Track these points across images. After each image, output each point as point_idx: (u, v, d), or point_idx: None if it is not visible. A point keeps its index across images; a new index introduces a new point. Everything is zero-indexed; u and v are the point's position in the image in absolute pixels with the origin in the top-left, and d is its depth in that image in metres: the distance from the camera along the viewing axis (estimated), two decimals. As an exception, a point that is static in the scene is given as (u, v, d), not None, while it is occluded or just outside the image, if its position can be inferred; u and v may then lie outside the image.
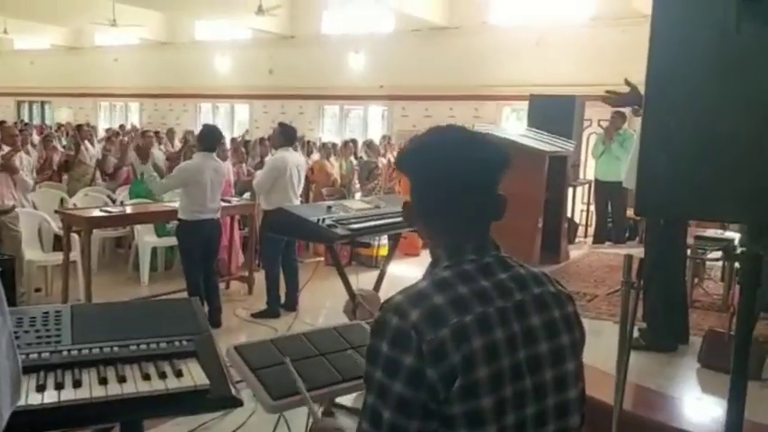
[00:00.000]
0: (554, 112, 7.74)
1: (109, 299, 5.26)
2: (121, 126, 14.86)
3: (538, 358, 1.17)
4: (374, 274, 5.06)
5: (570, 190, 8.09)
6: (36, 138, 10.48)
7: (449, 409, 1.08)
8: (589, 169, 9.73)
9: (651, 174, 1.57)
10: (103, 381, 1.54)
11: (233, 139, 11.19)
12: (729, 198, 1.50)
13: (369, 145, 9.26)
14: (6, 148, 5.02)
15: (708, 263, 5.00)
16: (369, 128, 14.21)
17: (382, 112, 14.08)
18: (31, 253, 5.53)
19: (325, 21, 14.23)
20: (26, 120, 18.71)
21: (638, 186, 1.61)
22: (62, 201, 6.85)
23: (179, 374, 1.62)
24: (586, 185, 9.30)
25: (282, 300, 5.63)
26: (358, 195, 8.26)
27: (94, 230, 5.70)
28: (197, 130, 14.24)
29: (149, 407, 1.55)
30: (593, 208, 8.80)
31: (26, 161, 5.51)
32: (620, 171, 6.77)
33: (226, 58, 15.74)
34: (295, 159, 5.72)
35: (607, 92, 3.83)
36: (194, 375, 1.63)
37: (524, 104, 9.40)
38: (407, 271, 6.51)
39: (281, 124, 5.88)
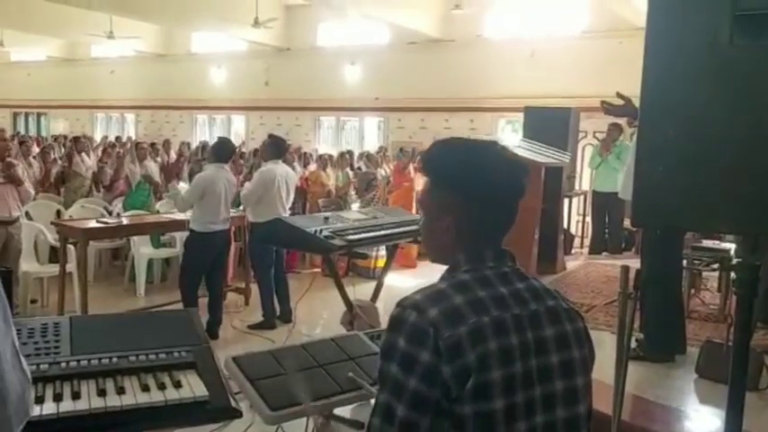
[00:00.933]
0: (549, 124, 7.79)
1: (105, 310, 5.24)
2: (117, 138, 14.87)
3: (548, 369, 1.18)
4: (371, 284, 5.05)
5: (566, 201, 8.13)
6: (36, 150, 10.47)
7: (460, 408, 1.09)
8: (585, 180, 9.78)
9: (647, 184, 1.58)
10: (102, 392, 1.53)
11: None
12: (725, 209, 1.51)
13: (368, 156, 9.29)
14: None
15: (704, 273, 5.01)
16: (365, 139, 14.24)
17: (378, 123, 14.13)
18: (28, 264, 5.52)
19: (320, 33, 14.31)
20: (22, 131, 18.69)
21: (633, 197, 1.62)
22: (58, 212, 6.84)
23: (178, 386, 1.61)
24: (582, 196, 9.34)
25: (278, 311, 5.62)
26: (354, 206, 8.27)
27: (91, 242, 5.69)
28: (194, 142, 14.30)
29: (148, 418, 1.54)
30: (588, 219, 8.83)
31: (29, 173, 5.54)
32: (617, 182, 6.80)
33: (222, 70, 15.79)
34: (283, 172, 5.63)
35: (603, 102, 3.87)
36: (193, 386, 1.62)
37: (519, 116, 9.45)
38: (405, 282, 6.51)
39: (270, 136, 5.84)
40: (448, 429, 1.10)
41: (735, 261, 1.66)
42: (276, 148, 5.64)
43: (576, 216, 9.36)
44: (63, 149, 11.06)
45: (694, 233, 4.72)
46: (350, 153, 10.14)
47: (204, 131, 16.48)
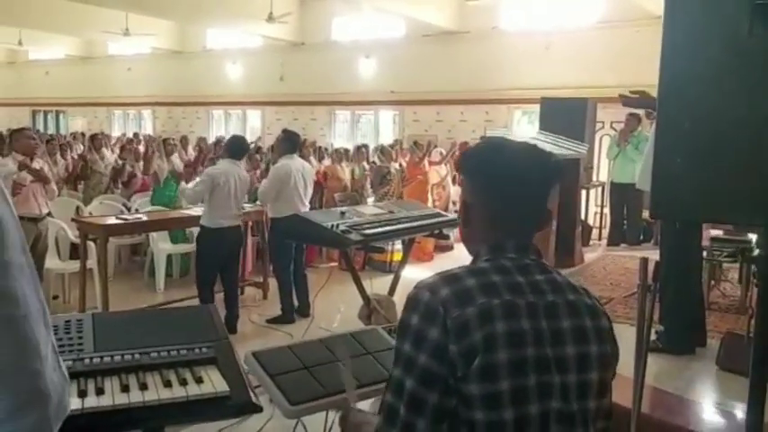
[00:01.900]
0: (566, 115, 7.72)
1: (125, 306, 5.31)
2: (135, 134, 15.00)
3: (564, 360, 1.19)
4: (388, 278, 5.06)
5: (583, 192, 8.08)
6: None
7: (466, 387, 1.12)
8: (602, 171, 9.70)
9: (665, 176, 1.57)
10: (126, 388, 1.56)
11: (246, 146, 11.25)
12: (744, 200, 1.50)
13: (381, 150, 9.28)
14: (22, 157, 5.09)
15: (725, 264, 4.96)
16: (380, 133, 14.24)
17: (393, 116, 14.11)
18: (49, 261, 5.58)
19: (335, 27, 14.30)
20: (41, 129, 18.92)
21: (652, 189, 1.61)
22: (78, 209, 6.92)
23: (199, 381, 1.64)
24: (600, 188, 9.27)
25: (296, 306, 5.65)
26: (370, 200, 8.27)
27: (110, 238, 5.75)
28: (210, 138, 14.39)
29: (171, 413, 1.57)
30: (606, 210, 8.77)
31: (54, 171, 5.62)
32: (635, 173, 6.75)
33: (237, 66, 15.85)
34: (299, 166, 5.61)
35: (621, 94, 3.85)
36: (214, 382, 1.64)
37: (536, 107, 9.38)
38: (422, 274, 6.50)
39: (284, 131, 5.81)
40: (455, 407, 1.13)
41: (755, 252, 1.64)
42: (290, 142, 5.62)
43: (593, 207, 9.30)
44: (82, 147, 11.18)
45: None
46: (365, 147, 10.13)
47: (220, 127, 16.56)
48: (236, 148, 5.27)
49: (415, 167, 8.39)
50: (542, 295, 1.22)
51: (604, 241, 8.53)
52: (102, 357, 1.64)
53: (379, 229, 3.97)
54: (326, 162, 9.47)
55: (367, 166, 9.21)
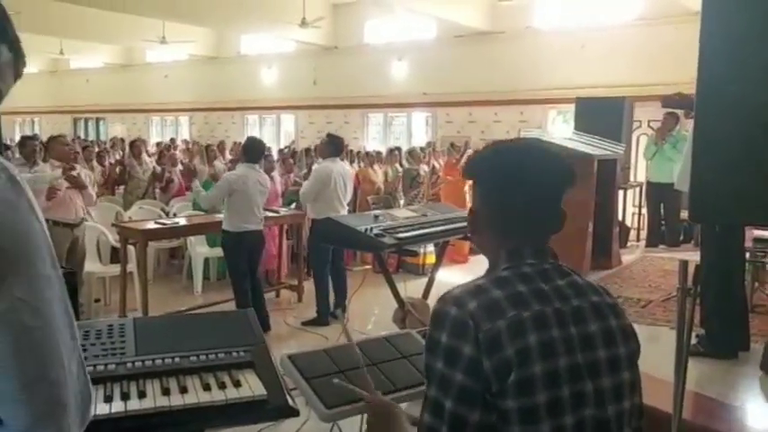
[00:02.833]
0: (602, 115, 7.62)
1: (164, 308, 5.41)
2: (172, 140, 15.29)
3: (596, 364, 1.17)
4: (421, 281, 5.06)
5: (621, 193, 7.95)
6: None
7: (503, 402, 1.09)
8: (640, 171, 9.54)
9: (704, 179, 1.54)
10: (166, 391, 1.59)
11: (280, 150, 11.39)
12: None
13: (410, 153, 9.29)
14: (58, 164, 5.22)
15: (768, 266, 4.83)
16: (413, 135, 14.24)
17: (426, 118, 14.10)
18: (91, 265, 5.73)
19: (367, 30, 14.36)
20: (82, 136, 19.43)
21: (690, 192, 1.58)
22: (118, 214, 7.09)
23: (237, 385, 1.66)
24: (637, 188, 9.11)
25: (331, 308, 5.68)
26: (403, 203, 8.29)
27: (149, 242, 5.86)
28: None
29: (210, 417, 1.59)
30: (644, 210, 8.62)
31: (87, 176, 5.73)
32: (673, 172, 6.62)
33: (271, 71, 16.03)
34: (340, 169, 5.76)
35: (662, 100, 3.79)
36: (252, 385, 1.67)
37: (571, 107, 9.28)
38: (455, 278, 6.47)
39: (329, 135, 5.97)
40: (495, 423, 1.11)
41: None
42: (333, 146, 5.76)
43: (631, 208, 9.15)
44: (121, 153, 11.45)
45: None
46: (398, 149, 10.15)
47: (255, 131, 16.77)
48: (252, 151, 5.29)
49: (452, 169, 8.40)
50: (567, 301, 1.20)
51: (642, 242, 8.38)
52: (143, 361, 1.67)
53: (413, 233, 3.96)
54: (356, 165, 9.52)
55: (400, 169, 9.23)
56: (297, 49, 15.08)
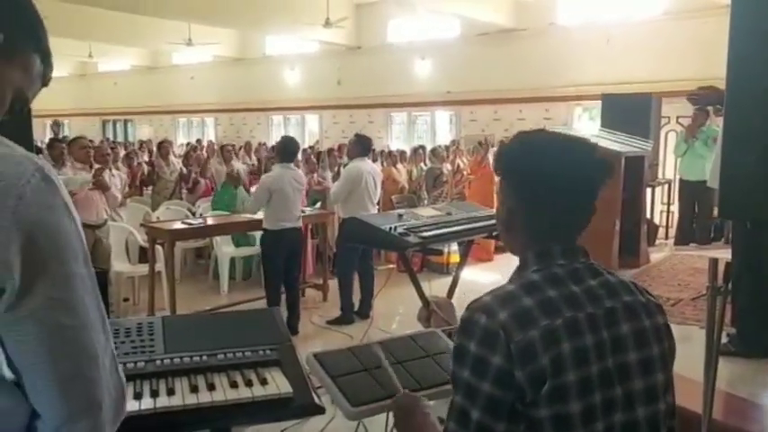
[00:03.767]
0: (629, 111, 7.51)
1: (192, 308, 5.48)
2: (198, 140, 15.47)
3: (626, 367, 1.15)
4: (446, 280, 5.05)
5: (648, 190, 7.83)
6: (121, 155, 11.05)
7: (536, 411, 1.08)
8: (668, 168, 9.40)
9: (734, 175, 1.51)
10: (194, 389, 1.61)
11: (304, 150, 11.45)
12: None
13: (433, 152, 9.27)
14: (80, 165, 5.30)
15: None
16: (436, 134, 14.21)
17: (450, 117, 14.05)
18: (120, 265, 5.82)
19: (390, 30, 14.37)
20: (111, 137, 19.75)
21: (720, 187, 1.56)
22: (145, 214, 7.19)
23: (264, 382, 1.67)
24: (666, 185, 8.97)
25: (356, 307, 5.70)
26: (427, 202, 8.28)
27: (177, 242, 5.94)
28: (270, 143, 14.71)
29: (237, 414, 1.61)
30: (673, 208, 8.48)
31: (118, 177, 5.81)
32: (705, 170, 6.51)
33: (295, 71, 16.13)
34: (370, 168, 5.84)
35: (688, 97, 3.72)
36: (278, 383, 1.68)
37: (597, 104, 9.18)
38: (480, 276, 6.46)
39: (357, 135, 6.04)
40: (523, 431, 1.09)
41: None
42: (362, 145, 5.82)
43: (659, 205, 9.01)
44: (149, 155, 11.61)
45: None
46: (422, 148, 10.13)
47: (280, 132, 16.88)
48: (285, 151, 5.40)
49: (479, 167, 8.38)
50: (599, 302, 1.17)
51: (671, 240, 8.25)
52: (172, 359, 1.70)
53: (437, 232, 3.95)
54: (378, 164, 9.51)
55: (425, 168, 9.21)
56: (320, 49, 15.14)
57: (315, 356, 1.91)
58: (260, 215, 5.36)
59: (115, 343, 1.70)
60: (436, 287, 4.38)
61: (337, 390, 1.78)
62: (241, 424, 1.70)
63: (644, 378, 1.17)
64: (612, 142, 6.27)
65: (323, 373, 1.85)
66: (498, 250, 7.96)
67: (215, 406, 1.58)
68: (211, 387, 1.63)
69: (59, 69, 20.97)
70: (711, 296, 2.36)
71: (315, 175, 8.27)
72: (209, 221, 6.02)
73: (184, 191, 8.36)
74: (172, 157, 9.09)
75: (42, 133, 17.64)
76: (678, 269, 6.06)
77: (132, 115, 20.91)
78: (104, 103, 20.71)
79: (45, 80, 1.03)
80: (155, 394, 1.58)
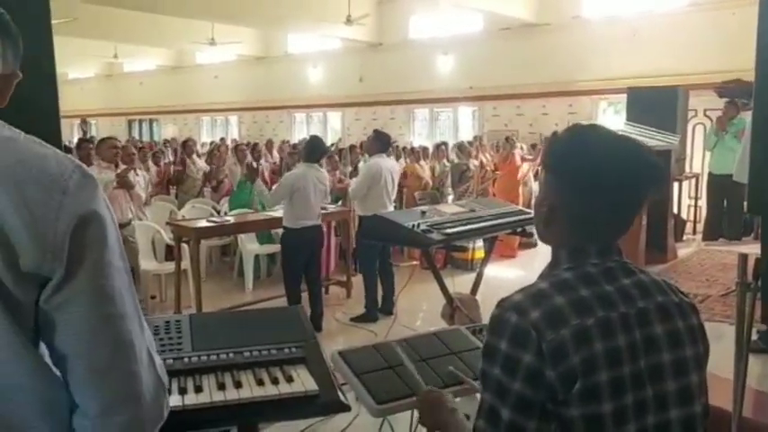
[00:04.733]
0: (655, 105, 7.41)
1: (217, 305, 5.54)
2: (222, 139, 15.61)
3: (659, 368, 1.14)
4: (470, 276, 5.04)
5: (676, 185, 7.72)
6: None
7: (567, 411, 1.07)
8: (696, 162, 9.25)
9: (763, 168, 1.49)
10: (222, 386, 1.63)
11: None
12: None
13: (459, 147, 9.23)
14: (106, 165, 5.37)
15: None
16: (459, 129, 14.16)
17: (472, 112, 13.99)
18: (147, 263, 5.89)
19: (412, 26, 14.34)
20: (137, 136, 20.02)
21: (749, 182, 1.53)
22: (171, 212, 7.27)
23: (290, 380, 1.69)
24: (693, 179, 8.83)
25: (379, 304, 5.72)
26: (450, 198, 8.24)
27: (202, 240, 6.00)
28: (292, 140, 14.78)
29: (264, 411, 1.63)
30: (701, 203, 8.34)
31: (142, 177, 5.88)
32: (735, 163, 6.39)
33: (317, 69, 16.19)
34: (389, 165, 5.84)
35: (716, 89, 3.65)
36: (304, 381, 1.69)
37: (622, 98, 9.07)
38: (504, 273, 6.44)
39: (375, 131, 6.02)
40: (554, 431, 1.09)
41: None
42: (381, 142, 5.81)
43: (687, 200, 8.88)
44: (174, 154, 11.74)
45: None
46: (445, 144, 10.10)
47: (302, 130, 16.97)
48: (311, 151, 5.39)
49: (504, 162, 8.34)
50: (632, 302, 1.15)
51: (699, 236, 8.12)
52: (199, 356, 1.72)
53: (461, 228, 3.93)
54: (401, 161, 9.50)
55: (447, 164, 9.19)
56: (342, 46, 15.17)
57: (339, 354, 1.92)
58: (279, 213, 5.38)
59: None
60: (460, 284, 4.37)
61: (362, 387, 1.79)
62: (268, 421, 1.73)
63: (677, 380, 1.15)
64: (638, 136, 6.19)
65: (347, 370, 1.86)
66: (522, 246, 7.92)
67: (242, 403, 1.60)
68: (238, 384, 1.65)
69: (87, 70, 21.37)
70: (741, 292, 2.32)
71: (337, 172, 8.29)
72: (233, 219, 6.08)
73: (208, 189, 8.44)
74: (195, 156, 9.19)
75: (70, 133, 17.95)
76: (706, 265, 5.98)
77: (157, 114, 21.17)
78: (130, 102, 21.00)
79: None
80: (183, 391, 1.60)
